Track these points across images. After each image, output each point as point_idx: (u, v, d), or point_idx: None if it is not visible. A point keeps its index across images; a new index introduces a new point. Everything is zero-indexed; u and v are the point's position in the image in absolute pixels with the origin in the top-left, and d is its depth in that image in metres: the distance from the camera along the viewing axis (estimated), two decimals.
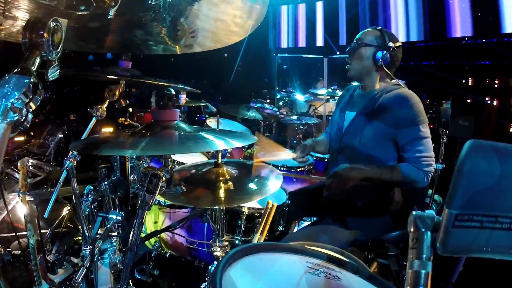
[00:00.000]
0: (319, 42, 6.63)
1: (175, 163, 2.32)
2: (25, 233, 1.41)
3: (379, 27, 1.68)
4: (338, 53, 5.95)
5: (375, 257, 1.79)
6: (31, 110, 0.66)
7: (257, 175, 1.44)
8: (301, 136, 3.53)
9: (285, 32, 7.15)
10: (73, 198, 1.37)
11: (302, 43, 6.96)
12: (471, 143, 0.46)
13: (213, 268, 1.27)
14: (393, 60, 1.65)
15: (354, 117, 1.68)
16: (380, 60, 1.61)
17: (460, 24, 4.54)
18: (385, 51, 1.61)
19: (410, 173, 1.52)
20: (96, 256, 1.23)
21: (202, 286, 1.27)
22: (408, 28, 5.08)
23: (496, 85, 4.36)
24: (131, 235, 1.02)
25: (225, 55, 6.90)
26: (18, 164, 1.49)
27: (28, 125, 0.66)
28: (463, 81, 4.64)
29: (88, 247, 1.31)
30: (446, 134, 2.34)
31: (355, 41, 1.69)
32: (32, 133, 3.39)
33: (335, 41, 6.29)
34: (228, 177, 1.35)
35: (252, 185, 1.34)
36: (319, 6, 6.52)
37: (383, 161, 1.60)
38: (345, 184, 1.50)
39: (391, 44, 1.61)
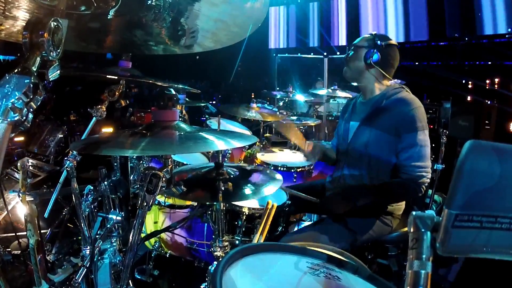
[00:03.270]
0: (318, 42, 6.63)
1: (175, 163, 2.32)
2: (25, 233, 1.41)
3: (374, 32, 1.70)
4: (338, 53, 5.95)
5: (375, 257, 1.79)
6: (31, 110, 0.66)
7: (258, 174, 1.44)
8: None
9: (285, 32, 7.14)
10: (73, 198, 1.37)
11: (301, 43, 6.96)
12: (471, 143, 0.46)
13: (213, 268, 1.27)
14: (386, 59, 1.63)
15: (358, 126, 1.68)
16: (369, 58, 1.61)
17: (460, 24, 4.54)
18: (374, 49, 1.61)
19: (402, 191, 1.53)
20: (96, 256, 1.23)
21: (202, 286, 1.27)
22: (408, 28, 5.08)
23: (496, 85, 4.36)
24: (131, 235, 1.02)
25: (225, 55, 6.91)
26: (18, 164, 1.49)
27: (28, 125, 0.66)
28: (463, 81, 4.64)
29: (88, 247, 1.31)
30: (446, 134, 2.34)
31: (350, 46, 1.73)
32: (32, 133, 3.40)
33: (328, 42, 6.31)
34: (228, 177, 1.35)
35: (250, 187, 1.34)
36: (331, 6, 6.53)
37: (389, 167, 1.59)
38: (337, 209, 1.56)
39: (380, 42, 1.61)
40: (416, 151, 1.48)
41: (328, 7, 6.27)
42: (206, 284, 1.26)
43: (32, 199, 1.46)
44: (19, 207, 2.02)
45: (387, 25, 5.29)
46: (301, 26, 6.75)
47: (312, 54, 6.42)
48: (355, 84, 1.79)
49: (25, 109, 0.64)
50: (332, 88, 3.62)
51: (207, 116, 3.89)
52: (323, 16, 6.42)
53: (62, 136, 3.35)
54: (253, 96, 3.60)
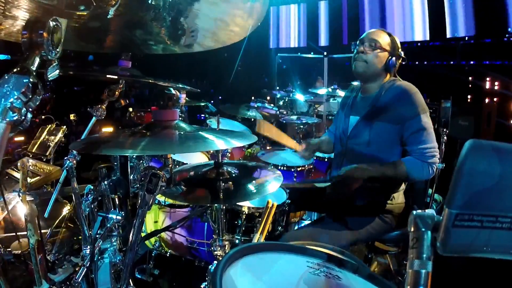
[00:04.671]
0: (320, 42, 6.59)
1: (175, 162, 2.31)
2: (25, 233, 1.41)
3: (387, 31, 1.70)
4: (328, 53, 5.94)
5: (375, 257, 1.79)
6: (30, 109, 0.65)
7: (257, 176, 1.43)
8: (301, 136, 3.52)
9: (286, 32, 7.12)
10: (73, 198, 1.37)
11: (302, 43, 6.93)
12: (471, 143, 0.46)
13: (213, 267, 1.27)
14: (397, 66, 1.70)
15: (358, 121, 1.69)
16: (393, 68, 1.65)
17: (460, 24, 4.53)
18: (398, 59, 1.66)
19: (414, 167, 1.52)
20: (96, 256, 1.23)
21: (202, 286, 1.27)
22: (408, 28, 5.07)
23: (496, 85, 4.35)
24: (131, 234, 1.02)
25: (225, 54, 6.90)
26: (18, 164, 1.49)
27: (27, 125, 0.66)
28: (463, 81, 4.63)
29: (88, 247, 1.31)
30: (446, 134, 2.34)
31: (368, 40, 1.65)
32: (32, 133, 3.39)
33: (337, 41, 6.26)
34: (228, 177, 1.35)
35: (251, 186, 1.34)
36: (322, 6, 6.49)
37: (388, 160, 1.60)
38: (350, 185, 1.52)
39: (402, 53, 1.66)
40: (423, 134, 1.52)
41: (338, 5, 6.20)
42: (206, 283, 1.26)
43: (32, 199, 1.46)
44: (19, 207, 2.02)
45: (387, 24, 5.28)
46: (312, 25, 6.69)
47: (312, 53, 6.40)
48: (359, 81, 1.79)
49: (24, 108, 0.64)
50: (332, 87, 3.62)
51: (207, 116, 3.89)
52: (332, 15, 6.36)
53: (62, 136, 3.34)
54: (253, 98, 3.59)
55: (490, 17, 4.24)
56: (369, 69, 1.66)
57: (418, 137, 1.52)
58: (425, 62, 5.01)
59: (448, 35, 4.64)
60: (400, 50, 1.66)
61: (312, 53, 6.30)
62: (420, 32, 4.95)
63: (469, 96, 4.51)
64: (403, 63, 1.72)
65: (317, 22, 6.59)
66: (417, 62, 4.99)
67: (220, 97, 7.02)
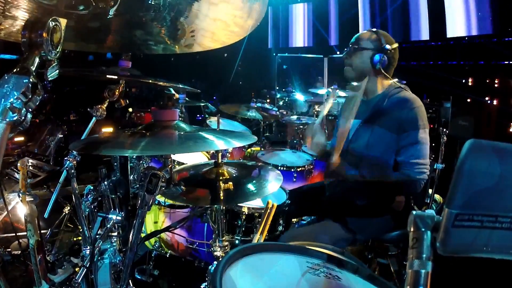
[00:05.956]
0: (331, 41, 6.56)
1: (175, 162, 2.31)
2: (25, 233, 1.41)
3: (375, 29, 1.67)
4: (338, 53, 5.95)
5: (375, 257, 1.79)
6: (30, 110, 0.65)
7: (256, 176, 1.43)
8: (301, 136, 3.52)
9: (294, 32, 7.09)
10: (73, 198, 1.37)
11: (302, 42, 6.92)
12: (471, 143, 0.46)
13: (213, 268, 1.27)
14: (390, 62, 1.64)
15: (359, 125, 1.68)
16: (378, 63, 1.60)
17: (460, 24, 4.53)
18: (382, 54, 1.60)
19: (400, 187, 1.55)
20: (96, 256, 1.23)
21: (202, 286, 1.27)
22: (408, 28, 5.07)
23: (496, 85, 4.35)
24: (131, 235, 1.02)
25: (225, 55, 6.90)
26: (18, 164, 1.49)
27: (27, 125, 0.66)
28: (463, 81, 4.63)
29: (88, 247, 1.31)
30: (446, 134, 2.34)
31: (351, 44, 1.69)
32: (32, 133, 3.40)
33: (347, 40, 6.23)
34: (228, 177, 1.35)
35: (251, 186, 1.33)
36: (332, 5, 6.44)
37: (389, 166, 1.60)
38: (344, 187, 1.57)
39: (388, 46, 1.60)
40: (417, 148, 1.51)
41: (348, 5, 6.15)
42: (206, 284, 1.26)
43: (32, 199, 1.45)
44: (19, 207, 2.02)
45: (386, 25, 5.27)
46: (321, 24, 6.65)
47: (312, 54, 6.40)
48: (356, 84, 1.78)
49: (24, 109, 0.64)
50: (332, 87, 3.62)
51: (206, 116, 3.90)
52: (342, 14, 6.30)
53: (62, 136, 3.34)
54: (253, 95, 3.59)
55: (490, 17, 4.24)
56: (355, 71, 1.68)
57: (411, 150, 1.51)
58: (425, 62, 5.01)
59: (448, 35, 4.64)
60: (387, 45, 1.60)
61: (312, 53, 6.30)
62: (420, 32, 4.95)
63: (469, 96, 4.51)
64: (397, 60, 1.67)
65: (327, 21, 6.54)
66: (417, 62, 4.99)
67: (220, 97, 7.02)
